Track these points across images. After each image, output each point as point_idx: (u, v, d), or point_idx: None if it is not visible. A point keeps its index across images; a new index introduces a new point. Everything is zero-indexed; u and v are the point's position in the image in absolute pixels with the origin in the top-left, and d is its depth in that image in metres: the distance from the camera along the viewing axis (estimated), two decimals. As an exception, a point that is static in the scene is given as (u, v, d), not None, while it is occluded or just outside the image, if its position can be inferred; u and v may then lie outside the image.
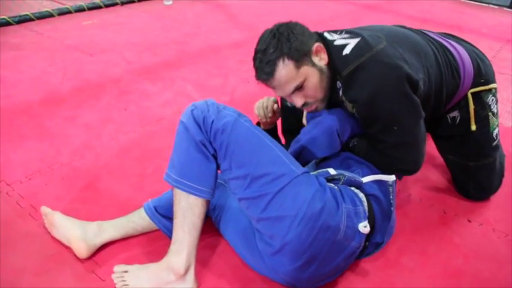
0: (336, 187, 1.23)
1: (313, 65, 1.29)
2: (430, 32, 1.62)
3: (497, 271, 1.43)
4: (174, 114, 2.26)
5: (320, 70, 1.30)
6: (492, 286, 1.39)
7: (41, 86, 2.46)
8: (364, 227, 1.19)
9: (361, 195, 1.25)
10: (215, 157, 1.21)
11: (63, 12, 3.71)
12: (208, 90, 2.59)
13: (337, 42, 1.33)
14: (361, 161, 1.38)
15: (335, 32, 1.40)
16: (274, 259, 1.19)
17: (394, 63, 1.25)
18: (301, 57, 1.25)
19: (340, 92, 1.32)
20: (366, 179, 1.28)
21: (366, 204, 1.24)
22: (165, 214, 1.36)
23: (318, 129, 1.36)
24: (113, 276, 1.26)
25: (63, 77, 2.59)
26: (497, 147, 1.64)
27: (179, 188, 1.21)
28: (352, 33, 1.35)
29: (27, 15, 3.48)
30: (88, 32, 3.39)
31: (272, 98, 1.54)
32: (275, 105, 1.53)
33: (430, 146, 1.96)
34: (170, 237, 1.26)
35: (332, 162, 1.39)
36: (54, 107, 2.24)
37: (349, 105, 1.32)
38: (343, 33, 1.37)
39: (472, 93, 1.54)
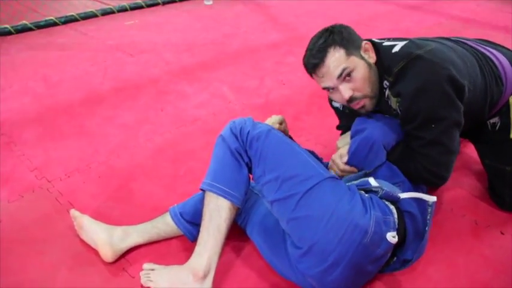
0: (367, 195, 1.25)
1: (362, 58, 1.34)
2: (468, 40, 1.59)
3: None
4: (209, 116, 2.29)
5: (369, 65, 1.35)
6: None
7: (83, 86, 2.56)
8: (392, 237, 1.19)
9: (392, 207, 1.24)
10: (248, 166, 1.29)
11: (106, 13, 3.84)
12: (243, 92, 2.61)
13: (385, 44, 1.39)
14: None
15: (382, 38, 1.46)
16: (302, 262, 1.21)
17: (442, 63, 1.27)
18: (351, 47, 1.32)
19: (387, 91, 1.36)
20: (406, 195, 1.27)
21: (396, 216, 1.23)
22: (190, 220, 1.40)
23: (363, 148, 1.38)
24: (141, 273, 1.31)
25: (103, 76, 2.69)
26: None
27: (211, 190, 1.26)
28: (398, 39, 1.41)
29: (72, 15, 3.63)
30: (130, 32, 3.50)
31: (278, 118, 1.54)
32: (277, 125, 1.53)
33: (466, 153, 1.91)
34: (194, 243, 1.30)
35: (381, 169, 1.40)
36: (94, 106, 2.34)
37: (393, 101, 1.34)
38: (390, 39, 1.44)
39: None
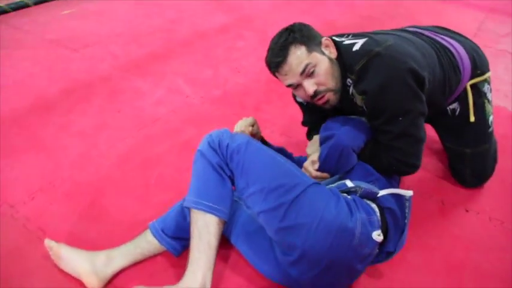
0: (350, 197, 1.28)
1: (323, 53, 1.37)
2: (425, 29, 1.64)
3: (497, 262, 1.49)
4: (169, 114, 2.23)
5: (330, 60, 1.38)
6: (493, 278, 1.45)
7: (28, 91, 2.39)
8: (377, 236, 1.24)
9: (374, 205, 1.29)
10: (231, 179, 1.28)
11: (39, 1, 3.57)
12: (199, 83, 2.55)
13: (346, 42, 1.41)
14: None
15: (341, 35, 1.48)
16: (294, 268, 1.23)
17: (401, 58, 1.31)
18: (312, 44, 1.35)
19: (351, 89, 1.38)
20: (383, 192, 1.31)
21: (378, 214, 1.28)
22: (173, 235, 1.38)
23: (334, 155, 1.39)
24: None
25: (49, 78, 2.52)
26: (492, 134, 1.70)
27: (197, 208, 1.25)
28: (358, 35, 1.43)
29: (1, 7, 3.34)
30: (68, 23, 3.28)
31: (249, 121, 1.55)
32: (250, 128, 1.54)
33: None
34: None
35: (355, 170, 1.43)
36: (44, 114, 2.19)
37: (358, 99, 1.37)
38: (350, 36, 1.45)
39: (471, 85, 1.60)
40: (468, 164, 1.73)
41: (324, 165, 1.42)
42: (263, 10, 3.72)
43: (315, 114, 1.63)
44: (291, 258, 1.22)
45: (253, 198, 1.24)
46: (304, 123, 1.74)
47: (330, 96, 1.40)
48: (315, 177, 1.44)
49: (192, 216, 1.27)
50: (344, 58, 1.38)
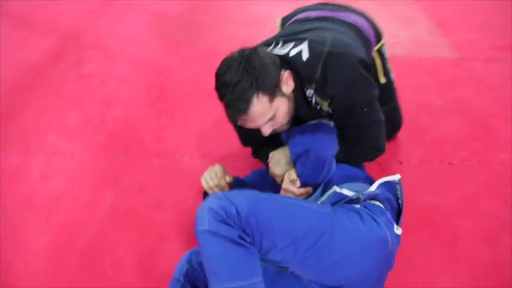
0: (360, 206, 1.30)
1: (283, 94, 1.31)
2: (324, 10, 1.65)
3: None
4: (68, 186, 1.87)
5: (288, 98, 1.33)
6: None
7: None
8: (397, 229, 1.31)
9: (378, 203, 1.33)
10: (252, 244, 1.15)
11: None
12: (74, 132, 2.17)
13: (291, 53, 1.35)
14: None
15: (270, 43, 1.43)
16: None
17: (348, 51, 1.34)
18: (273, 90, 1.27)
19: (313, 98, 1.36)
20: (375, 186, 1.33)
21: (385, 209, 1.33)
22: None
23: (318, 168, 1.38)
24: None
25: None
26: (396, 88, 1.86)
27: None
28: (294, 40, 1.39)
29: None
30: None
31: (219, 171, 1.47)
32: (227, 178, 1.47)
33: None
34: None
35: (335, 174, 1.43)
36: None
37: (324, 105, 1.36)
38: (281, 41, 1.41)
39: (376, 51, 1.69)
40: (388, 121, 1.87)
41: (307, 180, 1.40)
42: (83, 18, 3.27)
43: (255, 133, 1.55)
44: None
45: (283, 253, 1.16)
46: (245, 144, 1.67)
47: (284, 127, 1.41)
48: (300, 195, 1.41)
49: None
50: (298, 70, 1.34)
